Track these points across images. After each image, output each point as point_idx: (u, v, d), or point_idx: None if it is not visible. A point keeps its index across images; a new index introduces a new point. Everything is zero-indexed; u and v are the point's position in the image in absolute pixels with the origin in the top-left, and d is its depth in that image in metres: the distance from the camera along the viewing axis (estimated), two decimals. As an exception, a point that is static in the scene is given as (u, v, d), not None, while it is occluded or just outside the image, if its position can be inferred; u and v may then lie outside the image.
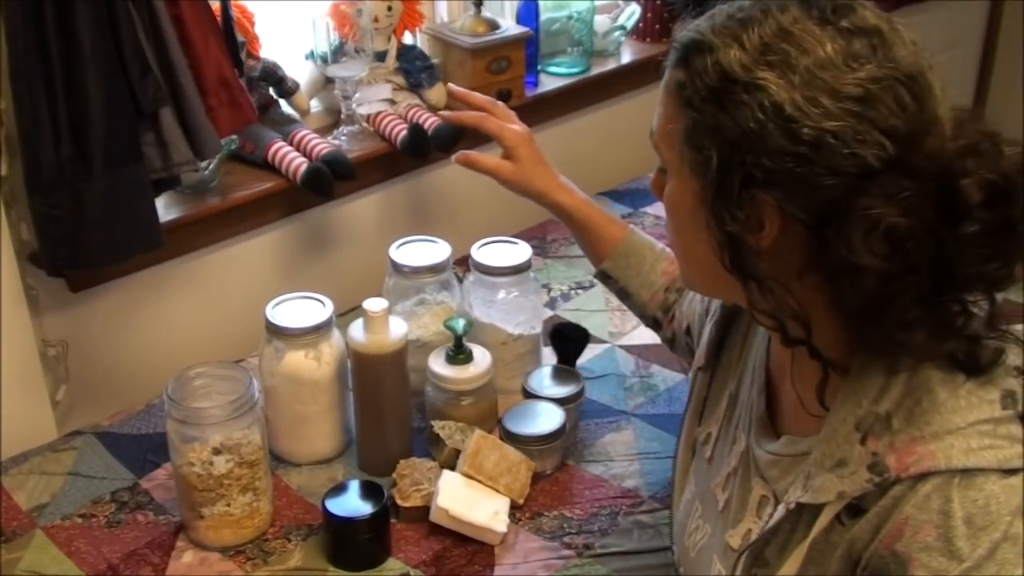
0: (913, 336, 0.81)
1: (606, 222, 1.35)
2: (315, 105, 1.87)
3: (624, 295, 1.37)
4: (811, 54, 0.80)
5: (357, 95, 1.80)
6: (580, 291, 1.78)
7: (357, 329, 1.34)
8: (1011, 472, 0.80)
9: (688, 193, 0.88)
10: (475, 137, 1.93)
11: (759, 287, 0.85)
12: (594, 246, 1.36)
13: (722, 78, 0.82)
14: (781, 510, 0.89)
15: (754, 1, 0.84)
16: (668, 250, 1.32)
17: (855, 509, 0.84)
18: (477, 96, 1.42)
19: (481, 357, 1.39)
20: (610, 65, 2.15)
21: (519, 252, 1.48)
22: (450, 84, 1.54)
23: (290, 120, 1.77)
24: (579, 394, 1.43)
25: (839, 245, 0.80)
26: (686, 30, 0.88)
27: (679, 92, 0.86)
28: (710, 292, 1.07)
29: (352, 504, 1.24)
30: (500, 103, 1.42)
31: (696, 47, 0.85)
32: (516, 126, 1.38)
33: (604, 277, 1.36)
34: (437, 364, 1.38)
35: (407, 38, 1.88)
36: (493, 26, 1.88)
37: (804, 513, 0.88)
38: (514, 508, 1.31)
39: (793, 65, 0.80)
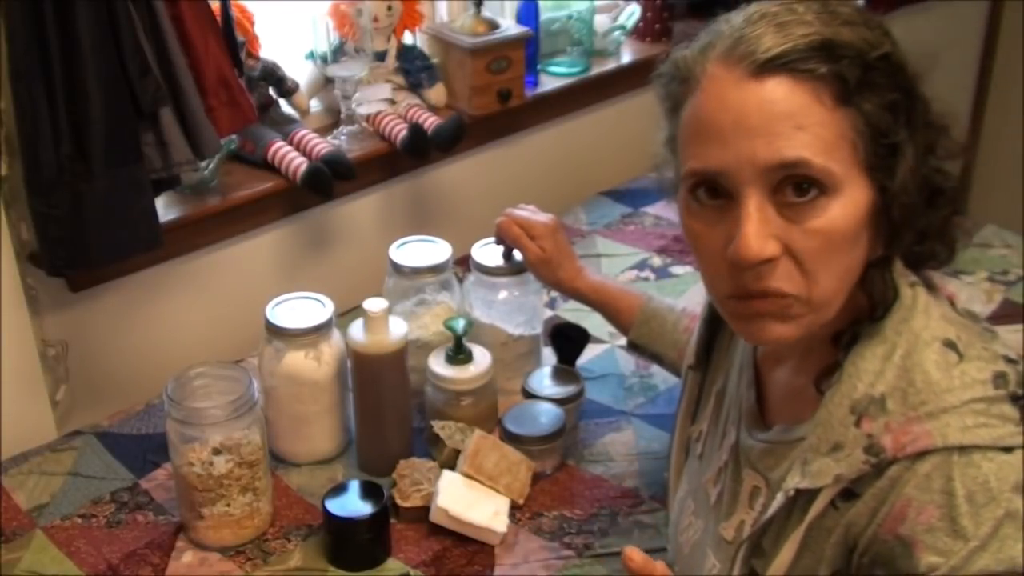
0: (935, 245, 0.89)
1: (622, 295, 1.41)
2: (315, 105, 1.87)
3: (657, 359, 1.41)
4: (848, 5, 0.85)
5: (357, 95, 1.80)
6: (580, 291, 1.78)
7: (357, 329, 1.34)
8: (1005, 450, 0.80)
9: (862, 197, 0.83)
10: (476, 137, 1.95)
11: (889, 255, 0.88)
12: (617, 320, 1.41)
13: (863, 56, 0.82)
14: (780, 498, 0.89)
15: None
16: (687, 308, 1.37)
17: (848, 493, 0.85)
18: None
19: (481, 357, 1.39)
20: (610, 65, 2.14)
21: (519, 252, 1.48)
22: None
23: (290, 120, 1.77)
24: (579, 394, 1.43)
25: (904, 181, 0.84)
26: (778, 44, 0.81)
27: (830, 93, 0.81)
28: (834, 310, 0.88)
29: (352, 504, 1.24)
30: None
31: (820, 47, 0.81)
32: (542, 217, 1.42)
33: (633, 347, 1.41)
34: (437, 364, 1.38)
35: (407, 38, 1.88)
36: (493, 26, 1.87)
37: (799, 499, 0.88)
38: (514, 508, 1.31)
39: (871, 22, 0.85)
